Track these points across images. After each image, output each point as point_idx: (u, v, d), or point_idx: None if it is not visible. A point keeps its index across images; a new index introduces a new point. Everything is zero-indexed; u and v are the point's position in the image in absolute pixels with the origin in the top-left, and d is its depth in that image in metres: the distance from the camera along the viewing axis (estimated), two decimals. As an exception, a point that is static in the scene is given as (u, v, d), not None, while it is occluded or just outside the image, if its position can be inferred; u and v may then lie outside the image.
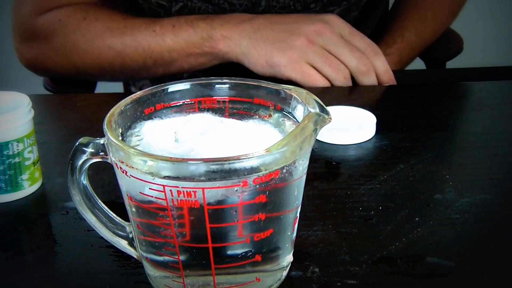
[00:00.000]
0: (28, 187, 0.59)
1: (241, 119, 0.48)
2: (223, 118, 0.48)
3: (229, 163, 0.38)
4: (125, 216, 0.45)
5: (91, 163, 0.44)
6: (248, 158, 0.38)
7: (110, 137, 0.41)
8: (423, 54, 1.16)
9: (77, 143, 0.44)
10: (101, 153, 0.43)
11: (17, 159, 0.57)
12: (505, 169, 0.63)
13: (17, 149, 0.57)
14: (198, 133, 0.45)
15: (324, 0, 0.92)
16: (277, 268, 0.45)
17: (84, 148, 0.44)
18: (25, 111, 0.57)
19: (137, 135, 0.45)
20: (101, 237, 0.47)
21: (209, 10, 0.90)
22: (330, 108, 0.45)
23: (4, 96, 0.59)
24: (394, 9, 1.09)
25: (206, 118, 0.47)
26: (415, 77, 0.92)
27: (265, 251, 0.43)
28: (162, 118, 0.48)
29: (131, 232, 0.47)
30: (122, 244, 0.47)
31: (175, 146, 0.43)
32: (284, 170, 0.40)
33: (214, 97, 0.49)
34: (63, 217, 0.56)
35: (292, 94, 0.46)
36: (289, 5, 0.89)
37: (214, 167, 0.38)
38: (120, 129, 0.45)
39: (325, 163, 0.64)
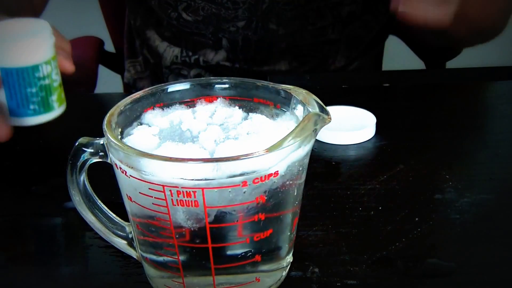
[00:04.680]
0: (58, 107, 0.61)
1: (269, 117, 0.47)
2: (251, 113, 0.48)
3: (229, 163, 0.38)
4: (125, 216, 0.45)
5: (91, 163, 0.44)
6: (248, 158, 0.38)
7: (110, 137, 0.41)
8: (423, 54, 1.16)
9: (77, 143, 0.44)
10: (100, 153, 0.43)
11: (47, 81, 0.59)
12: (505, 169, 0.63)
13: (47, 71, 0.59)
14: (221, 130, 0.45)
15: None
16: (277, 268, 0.45)
17: (84, 148, 0.44)
18: (49, 34, 0.59)
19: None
20: (101, 237, 0.47)
21: (212, 9, 0.90)
22: (330, 108, 0.45)
23: (24, 22, 0.61)
24: None
25: (224, 111, 0.47)
26: (415, 77, 0.92)
27: (265, 251, 0.43)
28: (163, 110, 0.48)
29: (130, 233, 0.47)
30: (122, 244, 0.47)
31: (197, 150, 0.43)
32: (284, 170, 0.40)
33: (214, 97, 0.49)
34: (63, 217, 0.56)
35: (292, 94, 0.46)
36: (293, 0, 0.89)
37: (213, 167, 0.38)
38: (119, 129, 0.45)
39: (325, 163, 0.64)
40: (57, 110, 0.61)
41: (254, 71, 0.95)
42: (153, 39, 0.98)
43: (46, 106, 0.60)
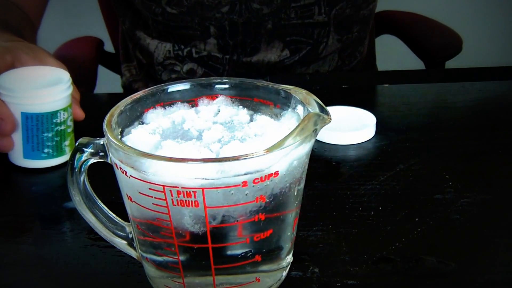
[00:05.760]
0: (69, 152, 0.64)
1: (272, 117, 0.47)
2: (255, 114, 0.48)
3: (229, 163, 0.38)
4: (125, 216, 0.45)
5: (91, 163, 0.44)
6: (248, 158, 0.38)
7: (110, 137, 0.41)
8: (423, 54, 1.17)
9: (77, 143, 0.44)
10: (101, 153, 0.43)
11: (62, 127, 0.62)
12: (505, 169, 0.63)
13: (63, 118, 0.62)
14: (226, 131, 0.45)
15: None
16: (277, 268, 0.45)
17: (84, 148, 0.44)
18: (68, 84, 0.63)
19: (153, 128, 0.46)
20: (101, 237, 0.47)
21: (195, 2, 0.90)
22: (330, 108, 0.45)
23: (46, 71, 0.65)
24: None
25: (227, 110, 0.47)
26: (415, 77, 0.92)
27: (265, 251, 0.43)
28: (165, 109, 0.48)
29: (131, 233, 0.47)
30: (122, 245, 0.47)
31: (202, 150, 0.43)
32: (284, 170, 0.40)
33: (214, 96, 0.49)
34: (63, 217, 0.56)
35: (292, 94, 0.46)
36: None
37: (213, 167, 0.38)
38: (120, 129, 0.45)
39: (325, 163, 0.64)
40: (68, 154, 0.64)
41: (246, 62, 0.95)
42: (144, 38, 0.99)
43: (59, 151, 0.63)
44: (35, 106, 0.61)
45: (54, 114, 0.61)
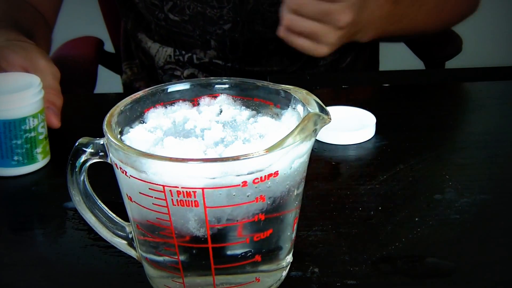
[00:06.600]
0: (41, 160, 0.62)
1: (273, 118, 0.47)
2: (256, 114, 0.48)
3: (229, 163, 0.38)
4: (125, 216, 0.45)
5: (91, 163, 0.44)
6: (248, 158, 0.38)
7: (110, 137, 0.41)
8: (423, 54, 1.16)
9: (77, 143, 0.44)
10: (101, 153, 0.43)
11: (32, 134, 0.61)
12: (505, 169, 0.63)
13: (33, 124, 0.60)
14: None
15: None
16: (276, 268, 0.45)
17: (84, 148, 0.44)
18: (38, 89, 0.61)
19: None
20: (101, 237, 0.47)
21: (198, 8, 0.90)
22: (330, 108, 0.45)
23: (16, 76, 0.64)
24: None
25: (229, 111, 0.47)
26: (414, 77, 0.92)
27: (265, 251, 0.43)
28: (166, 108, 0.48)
29: (130, 233, 0.47)
30: (122, 245, 0.47)
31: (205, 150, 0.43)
32: (284, 170, 0.40)
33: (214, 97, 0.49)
34: (63, 217, 0.56)
35: (292, 94, 0.46)
36: (278, 1, 0.89)
37: (213, 167, 0.38)
38: (119, 128, 0.45)
39: (325, 163, 0.64)
40: (41, 162, 0.63)
41: (247, 70, 0.95)
42: (145, 41, 0.99)
43: (30, 158, 0.61)
44: (1, 112, 0.59)
45: (22, 120, 0.59)
